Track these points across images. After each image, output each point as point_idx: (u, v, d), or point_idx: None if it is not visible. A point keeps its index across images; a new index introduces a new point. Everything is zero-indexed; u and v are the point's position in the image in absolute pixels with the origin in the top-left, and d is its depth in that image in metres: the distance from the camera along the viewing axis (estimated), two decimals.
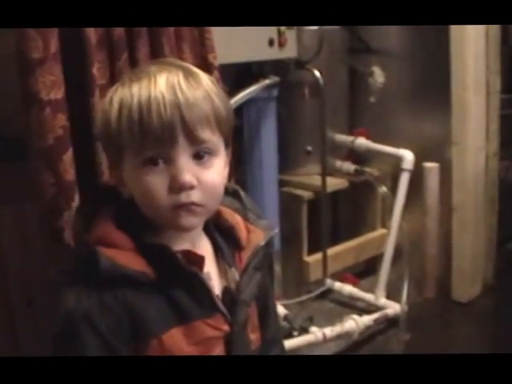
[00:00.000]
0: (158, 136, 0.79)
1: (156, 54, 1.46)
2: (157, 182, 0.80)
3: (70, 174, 1.29)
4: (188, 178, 0.80)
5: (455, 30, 2.33)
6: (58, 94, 1.26)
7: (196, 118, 0.80)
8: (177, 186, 0.80)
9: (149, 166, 0.81)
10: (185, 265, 0.82)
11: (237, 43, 1.93)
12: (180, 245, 0.85)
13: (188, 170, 0.80)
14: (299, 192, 2.48)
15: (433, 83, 2.48)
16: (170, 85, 0.80)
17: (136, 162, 0.81)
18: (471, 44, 2.34)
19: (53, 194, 1.27)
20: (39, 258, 1.36)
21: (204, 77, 0.85)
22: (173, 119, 0.79)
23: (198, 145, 0.81)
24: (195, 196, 0.81)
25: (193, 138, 0.80)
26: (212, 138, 0.82)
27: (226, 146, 0.87)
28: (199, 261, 0.85)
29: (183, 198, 0.80)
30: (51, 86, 1.25)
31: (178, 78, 0.81)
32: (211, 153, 0.83)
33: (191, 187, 0.80)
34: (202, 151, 0.82)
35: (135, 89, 0.80)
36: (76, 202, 1.28)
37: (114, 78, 1.40)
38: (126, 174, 0.84)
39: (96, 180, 1.35)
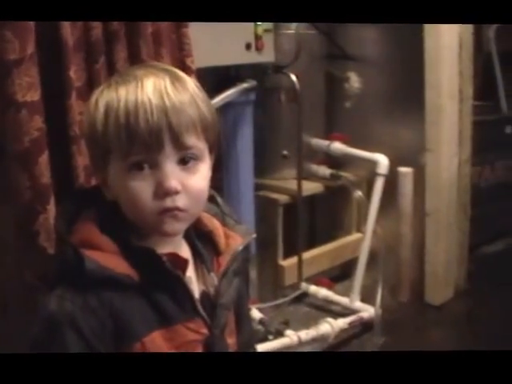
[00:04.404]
0: (144, 141, 0.78)
1: (134, 58, 1.46)
2: (142, 186, 0.80)
3: (45, 177, 1.27)
4: (173, 184, 0.80)
5: (430, 37, 2.36)
6: (35, 95, 1.25)
7: (183, 124, 0.80)
8: (162, 192, 0.80)
9: (134, 170, 0.80)
10: (169, 268, 0.82)
11: (214, 47, 1.93)
12: (163, 248, 0.85)
13: (173, 176, 0.80)
14: (275, 196, 2.49)
15: (407, 89, 2.51)
16: (157, 90, 0.79)
17: (121, 167, 0.81)
18: (445, 51, 2.38)
19: (28, 197, 1.26)
20: (15, 262, 1.35)
21: (190, 81, 0.85)
22: (159, 125, 0.78)
23: (183, 150, 0.81)
24: (180, 201, 0.81)
25: (179, 144, 0.80)
26: (198, 143, 0.83)
27: (211, 151, 0.87)
28: (183, 264, 0.85)
29: (168, 203, 0.80)
30: (27, 87, 1.24)
31: (165, 82, 0.81)
32: (196, 158, 0.83)
33: (176, 192, 0.80)
34: (188, 157, 0.82)
35: (122, 92, 0.80)
36: (51, 206, 1.27)
37: (91, 81, 1.40)
38: (111, 177, 0.83)
39: (72, 183, 1.34)
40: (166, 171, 0.80)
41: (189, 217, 0.84)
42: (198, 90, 0.84)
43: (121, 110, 0.79)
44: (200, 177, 0.84)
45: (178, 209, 0.81)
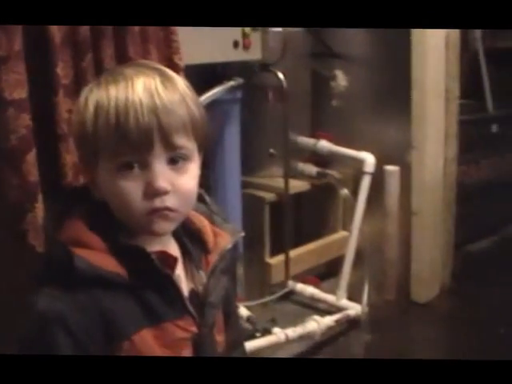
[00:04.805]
0: (134, 141, 0.78)
1: (121, 55, 1.45)
2: (131, 186, 0.80)
3: (33, 174, 1.27)
4: (163, 184, 0.80)
5: (416, 36, 2.37)
6: (22, 93, 1.25)
7: (173, 124, 0.80)
8: (151, 192, 0.80)
9: (124, 170, 0.80)
10: (159, 266, 0.82)
11: (201, 44, 1.93)
12: (152, 247, 0.85)
13: (163, 176, 0.80)
14: (261, 194, 2.49)
15: (394, 88, 2.52)
16: (148, 89, 0.79)
17: (111, 166, 0.81)
18: (432, 50, 2.39)
19: (16, 195, 1.25)
20: (4, 260, 1.34)
21: (180, 81, 0.84)
22: (150, 125, 0.78)
23: (173, 150, 0.81)
24: (169, 201, 0.81)
25: (169, 144, 0.80)
26: (187, 143, 0.83)
27: (200, 150, 0.87)
28: (172, 262, 0.85)
29: (157, 203, 0.80)
30: (15, 85, 1.23)
31: (155, 82, 0.80)
32: (186, 158, 0.83)
33: (165, 192, 0.80)
34: (177, 156, 0.82)
35: (112, 92, 0.80)
36: (39, 204, 1.26)
37: (78, 78, 1.39)
38: (100, 177, 0.83)
39: (60, 181, 1.33)
40: (156, 171, 0.80)
41: (178, 216, 0.84)
42: (187, 90, 0.84)
43: (111, 109, 0.78)
44: (189, 177, 0.83)
45: (167, 209, 0.81)
